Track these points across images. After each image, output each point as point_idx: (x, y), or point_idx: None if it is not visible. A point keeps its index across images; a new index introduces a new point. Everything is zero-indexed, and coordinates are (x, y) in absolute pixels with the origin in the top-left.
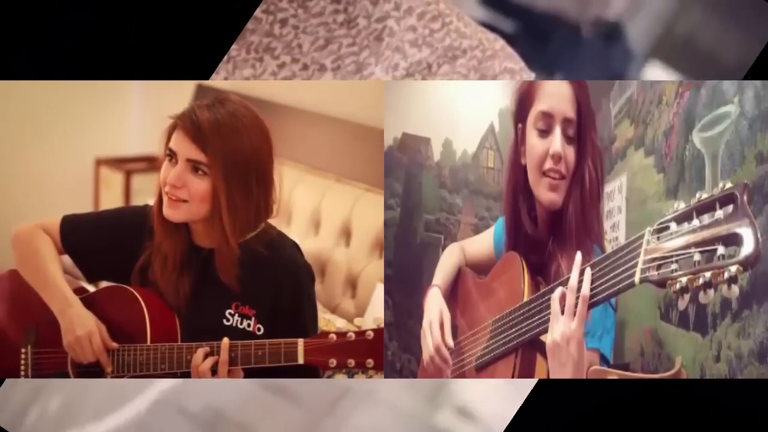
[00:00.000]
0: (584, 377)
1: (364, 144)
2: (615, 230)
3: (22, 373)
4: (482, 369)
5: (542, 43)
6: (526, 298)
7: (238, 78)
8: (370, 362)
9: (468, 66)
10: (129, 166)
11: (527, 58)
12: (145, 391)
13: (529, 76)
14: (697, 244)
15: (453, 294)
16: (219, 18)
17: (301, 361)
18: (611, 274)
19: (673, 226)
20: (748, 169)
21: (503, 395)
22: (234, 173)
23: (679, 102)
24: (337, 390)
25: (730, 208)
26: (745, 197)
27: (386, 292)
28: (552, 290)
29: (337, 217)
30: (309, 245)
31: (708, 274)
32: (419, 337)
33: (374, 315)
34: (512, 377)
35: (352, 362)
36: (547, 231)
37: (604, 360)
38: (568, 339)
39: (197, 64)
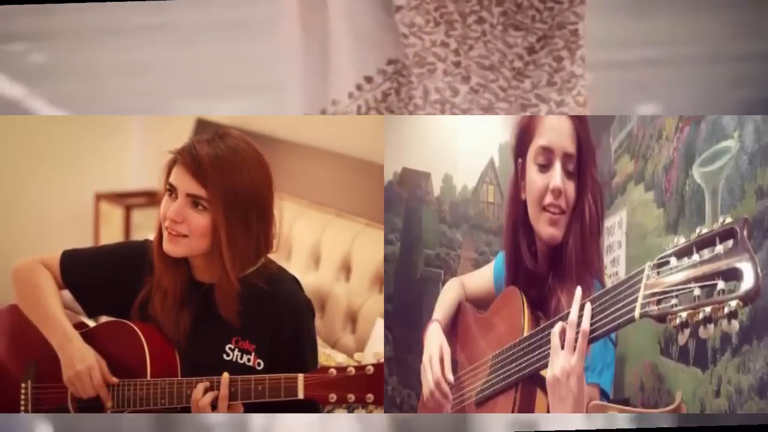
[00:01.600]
0: (584, 412)
1: (364, 179)
2: (615, 265)
3: (22, 408)
4: (482, 404)
5: None
6: (526, 333)
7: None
8: (370, 397)
9: None
10: (129, 200)
11: None
12: None
13: None
14: (697, 279)
15: (453, 329)
16: None
17: (301, 396)
18: (611, 309)
19: (673, 260)
20: (748, 204)
21: None
22: (234, 208)
23: (679, 137)
24: None
25: (730, 242)
26: (745, 232)
27: (386, 326)
28: (552, 325)
29: (337, 252)
30: (309, 280)
31: (708, 309)
32: (419, 371)
33: (374, 350)
34: (512, 412)
35: (352, 397)
36: (547, 266)
37: (604, 395)
38: (568, 374)
39: None
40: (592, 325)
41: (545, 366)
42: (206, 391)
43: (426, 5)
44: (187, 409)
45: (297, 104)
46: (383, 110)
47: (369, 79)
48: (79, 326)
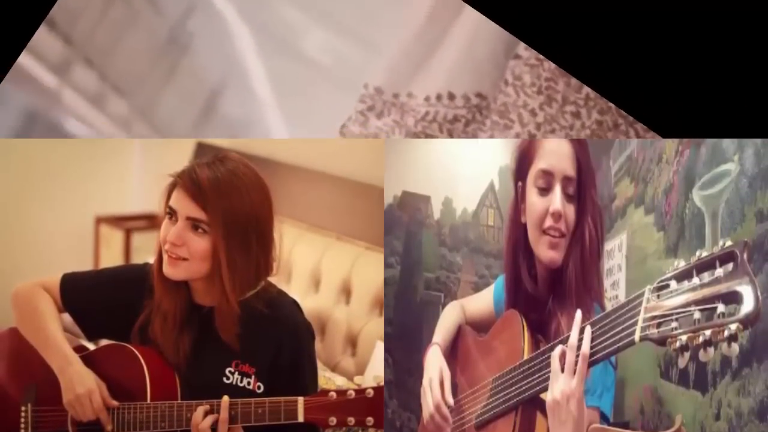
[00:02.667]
0: None
1: (365, 202)
2: (615, 288)
3: (22, 431)
4: (482, 427)
5: None
6: (526, 356)
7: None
8: (370, 420)
9: None
10: (129, 224)
11: None
12: None
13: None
14: (697, 302)
15: (453, 352)
16: None
17: (301, 419)
18: (611, 332)
19: (673, 284)
20: (748, 227)
21: None
22: (234, 231)
23: (679, 160)
24: None
25: (730, 266)
26: (745, 255)
27: (386, 350)
28: (552, 348)
29: (337, 275)
30: (309, 303)
31: (708, 332)
32: (419, 395)
33: (374, 373)
34: None
35: (352, 420)
36: (547, 289)
37: (604, 418)
38: (568, 397)
39: None
40: (592, 348)
41: (545, 389)
42: (206, 414)
43: (541, 71)
44: None
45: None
46: (443, 129)
47: (452, 96)
48: (79, 349)
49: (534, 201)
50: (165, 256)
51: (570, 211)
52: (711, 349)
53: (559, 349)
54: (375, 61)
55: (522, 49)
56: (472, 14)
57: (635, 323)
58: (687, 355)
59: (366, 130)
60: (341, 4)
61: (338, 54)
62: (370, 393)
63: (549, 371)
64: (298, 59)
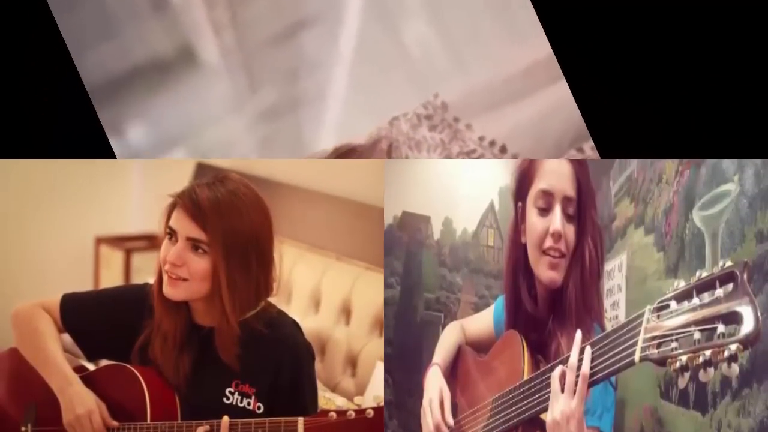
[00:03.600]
0: None
1: (364, 222)
2: (615, 308)
3: None
4: None
5: None
6: (526, 377)
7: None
8: None
9: None
10: (129, 244)
11: None
12: None
13: None
14: (697, 323)
15: (453, 372)
16: None
17: None
18: (611, 353)
19: (673, 304)
20: (748, 248)
21: None
22: (234, 252)
23: (679, 180)
24: None
25: (730, 286)
26: (745, 276)
27: (386, 370)
28: (552, 369)
29: (337, 296)
30: (309, 323)
31: (708, 353)
32: (419, 415)
33: (374, 393)
34: None
35: None
36: (547, 309)
37: None
38: (568, 417)
39: None
40: (592, 368)
41: (545, 410)
42: None
43: None
44: None
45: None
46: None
47: (503, 149)
48: (79, 370)
49: (534, 221)
50: (165, 277)
51: (570, 231)
52: (711, 370)
53: (559, 369)
54: (457, 78)
55: (588, 147)
56: (563, 89)
57: (635, 343)
58: (687, 375)
59: (413, 132)
60: (459, 13)
61: (429, 54)
62: (371, 413)
63: (549, 392)
64: (390, 34)
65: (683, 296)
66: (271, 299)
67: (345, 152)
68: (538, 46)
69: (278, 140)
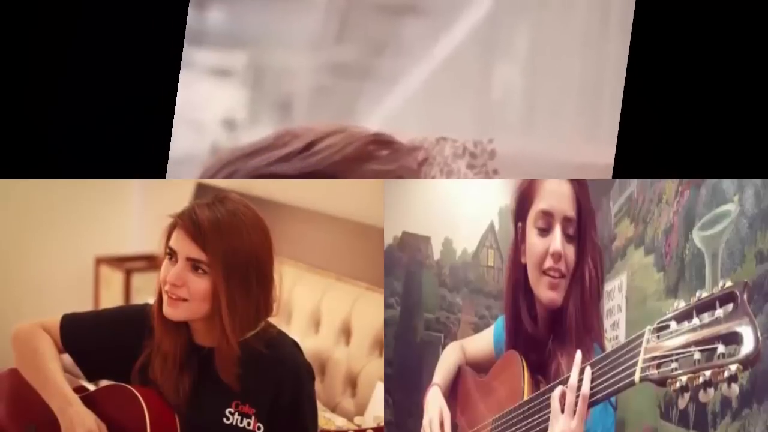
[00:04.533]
0: None
1: (364, 243)
2: (615, 329)
3: None
4: None
5: None
6: (526, 397)
7: None
8: None
9: None
10: (129, 264)
11: None
12: None
13: None
14: (697, 343)
15: (453, 392)
16: None
17: None
18: (611, 373)
19: (673, 324)
20: (748, 268)
21: None
22: (234, 272)
23: (679, 201)
24: None
25: (730, 306)
26: (745, 296)
27: (386, 390)
28: (552, 389)
29: (337, 316)
30: (309, 344)
31: (708, 373)
32: None
33: (374, 414)
34: None
35: None
36: (547, 330)
37: None
38: None
39: None
40: (592, 388)
41: (545, 430)
42: None
43: None
44: None
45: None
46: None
47: None
48: (79, 390)
49: (534, 241)
50: (165, 297)
51: (570, 251)
52: (711, 390)
53: (559, 389)
54: (518, 136)
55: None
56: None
57: (635, 364)
58: (687, 395)
59: (451, 159)
60: (553, 82)
61: (506, 99)
62: None
63: (549, 412)
64: (484, 62)
65: (683, 316)
66: (271, 319)
67: (382, 142)
68: (604, 153)
69: (331, 96)
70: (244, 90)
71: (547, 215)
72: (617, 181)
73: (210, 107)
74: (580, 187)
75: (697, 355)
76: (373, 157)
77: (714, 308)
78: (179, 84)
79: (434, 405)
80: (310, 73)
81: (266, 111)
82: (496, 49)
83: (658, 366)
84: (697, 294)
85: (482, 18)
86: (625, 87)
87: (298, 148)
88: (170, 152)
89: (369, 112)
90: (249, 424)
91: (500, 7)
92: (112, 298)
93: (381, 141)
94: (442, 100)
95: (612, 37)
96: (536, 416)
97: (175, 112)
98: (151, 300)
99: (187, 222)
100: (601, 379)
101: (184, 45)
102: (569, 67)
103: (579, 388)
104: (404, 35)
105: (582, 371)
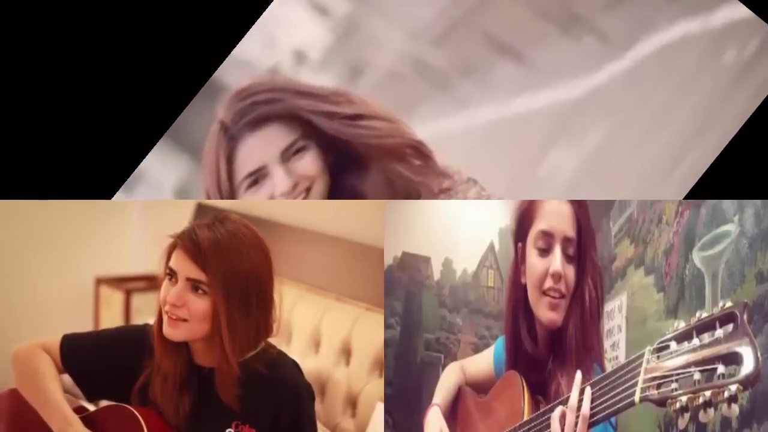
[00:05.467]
0: None
1: (364, 263)
2: (615, 349)
3: None
4: None
5: None
6: (526, 417)
7: None
8: None
9: None
10: (129, 285)
11: None
12: None
13: None
14: (697, 363)
15: (453, 413)
16: None
17: None
18: (611, 393)
19: (673, 345)
20: (748, 288)
21: None
22: (234, 292)
23: (679, 221)
24: None
25: (730, 327)
26: (745, 316)
27: (386, 411)
28: (552, 409)
29: (337, 336)
30: (309, 364)
31: (708, 393)
32: None
33: None
34: None
35: None
36: (547, 350)
37: None
38: None
39: None
40: (592, 409)
41: None
42: None
43: None
44: None
45: None
46: None
47: None
48: (79, 410)
49: (534, 262)
50: (165, 317)
51: (570, 272)
52: (711, 410)
53: (559, 410)
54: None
55: None
56: None
57: (635, 384)
58: (687, 416)
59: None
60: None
61: (552, 176)
62: None
63: None
64: (539, 135)
65: (683, 337)
66: (271, 340)
67: (420, 152)
68: None
69: (401, 86)
70: (329, 35)
71: (547, 235)
72: (617, 201)
73: (291, 32)
74: (580, 208)
75: (697, 376)
76: (405, 161)
77: (714, 328)
78: None
79: (434, 425)
80: (395, 55)
81: (338, 65)
82: (566, 131)
83: (658, 386)
84: (697, 314)
85: (569, 100)
86: None
87: (346, 113)
88: (233, 51)
89: (425, 119)
90: None
91: (591, 96)
92: (112, 319)
93: (420, 151)
94: (494, 149)
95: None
96: None
97: (261, 18)
98: (151, 320)
99: (187, 242)
100: (601, 400)
101: None
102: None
103: (579, 408)
104: (495, 72)
105: (582, 391)
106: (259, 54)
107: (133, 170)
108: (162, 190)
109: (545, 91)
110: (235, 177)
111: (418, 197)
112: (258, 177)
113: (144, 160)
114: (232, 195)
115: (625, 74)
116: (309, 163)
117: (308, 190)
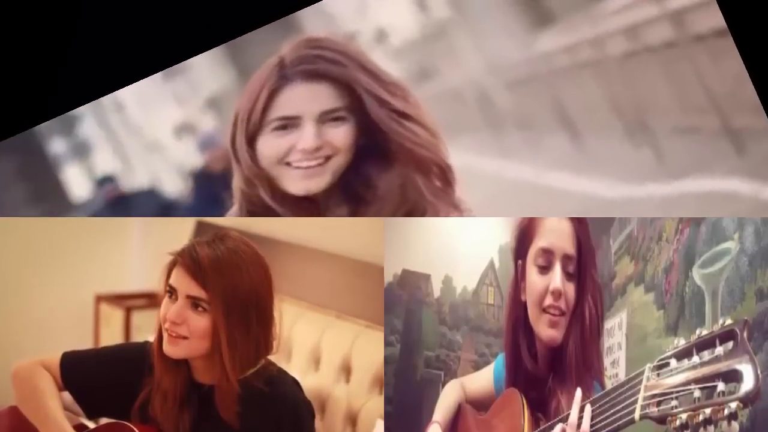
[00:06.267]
0: None
1: (364, 280)
2: (615, 366)
3: None
4: None
5: None
6: None
7: None
8: None
9: None
10: (129, 302)
11: None
12: None
13: None
14: (697, 381)
15: (453, 430)
16: None
17: None
18: (611, 411)
19: (673, 362)
20: (748, 306)
21: None
22: (234, 310)
23: (679, 238)
24: None
25: (730, 344)
26: (745, 334)
27: (386, 428)
28: (552, 427)
29: (338, 354)
30: (309, 382)
31: (708, 411)
32: None
33: None
34: None
35: None
36: (547, 367)
37: None
38: None
39: None
40: (592, 426)
41: None
42: None
43: None
44: None
45: None
46: None
47: None
48: (80, 428)
49: (534, 279)
50: (165, 335)
51: (570, 289)
52: (711, 428)
53: (559, 427)
54: None
55: None
56: None
57: (635, 401)
58: None
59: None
60: None
61: None
62: None
63: None
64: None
65: (683, 354)
66: (271, 357)
67: (445, 176)
68: None
69: (456, 108)
70: (417, 29)
71: (548, 253)
72: (617, 218)
73: (385, 11)
74: (580, 225)
75: (697, 393)
76: (427, 177)
77: (714, 346)
78: None
79: None
80: (466, 77)
81: (411, 60)
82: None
83: (658, 403)
84: (697, 332)
85: (604, 197)
86: None
87: (396, 107)
88: (324, 0)
89: (465, 148)
90: None
91: (623, 203)
92: (112, 336)
93: (445, 174)
94: (513, 207)
95: None
96: None
97: None
98: (152, 338)
99: (187, 260)
100: (601, 417)
101: None
102: None
103: (579, 425)
104: (548, 139)
105: (582, 409)
106: (347, 15)
107: (181, 62)
108: (197, 90)
109: (585, 179)
110: (268, 113)
111: (422, 215)
112: (288, 124)
113: (194, 57)
114: (257, 128)
115: (663, 200)
116: (341, 134)
117: (327, 159)
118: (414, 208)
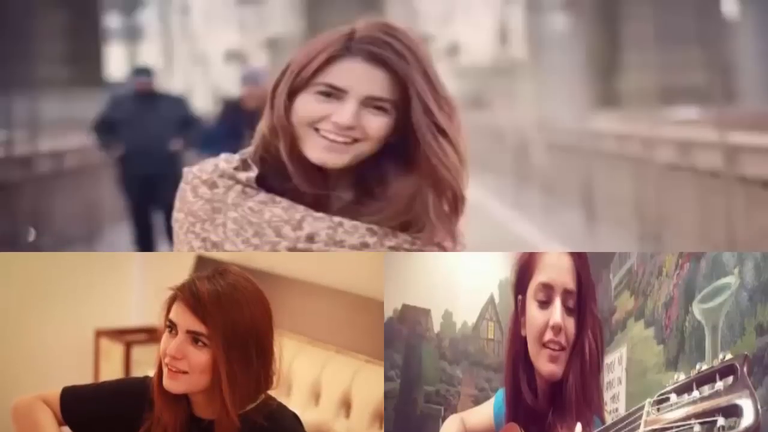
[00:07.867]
0: None
1: (364, 315)
2: (615, 401)
3: None
4: None
5: None
6: None
7: None
8: None
9: None
10: (129, 337)
11: None
12: None
13: None
14: (697, 416)
15: None
16: None
17: None
18: None
19: (673, 397)
20: (748, 341)
21: None
22: (234, 345)
23: (679, 273)
24: None
25: (731, 379)
26: (745, 369)
27: None
28: None
29: (338, 389)
30: (309, 417)
31: None
32: None
33: None
34: None
35: None
36: (548, 402)
37: None
38: None
39: None
40: None
41: None
42: None
43: None
44: None
45: None
46: None
47: None
48: None
49: (534, 314)
50: (165, 370)
51: (570, 324)
52: None
53: None
54: None
55: None
56: None
57: None
58: None
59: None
60: None
61: None
62: None
63: None
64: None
65: (683, 389)
66: (271, 392)
67: (455, 208)
68: None
69: (496, 148)
70: (488, 61)
71: (548, 288)
72: (617, 253)
73: (469, 30)
74: (580, 260)
75: (697, 428)
76: (439, 197)
77: (714, 381)
78: None
79: None
80: (520, 132)
81: (471, 87)
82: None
83: None
84: (697, 366)
85: None
86: None
87: (438, 120)
88: None
89: (486, 188)
90: None
91: None
92: (112, 371)
93: (457, 202)
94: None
95: None
96: None
97: None
98: (151, 372)
99: (187, 294)
100: None
101: None
102: None
103: None
104: (565, 214)
105: None
106: (431, 17)
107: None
108: (263, 26)
109: None
110: (318, 76)
111: (418, 231)
112: (333, 94)
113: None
114: (302, 84)
115: None
116: (377, 123)
117: (355, 141)
118: (414, 222)
